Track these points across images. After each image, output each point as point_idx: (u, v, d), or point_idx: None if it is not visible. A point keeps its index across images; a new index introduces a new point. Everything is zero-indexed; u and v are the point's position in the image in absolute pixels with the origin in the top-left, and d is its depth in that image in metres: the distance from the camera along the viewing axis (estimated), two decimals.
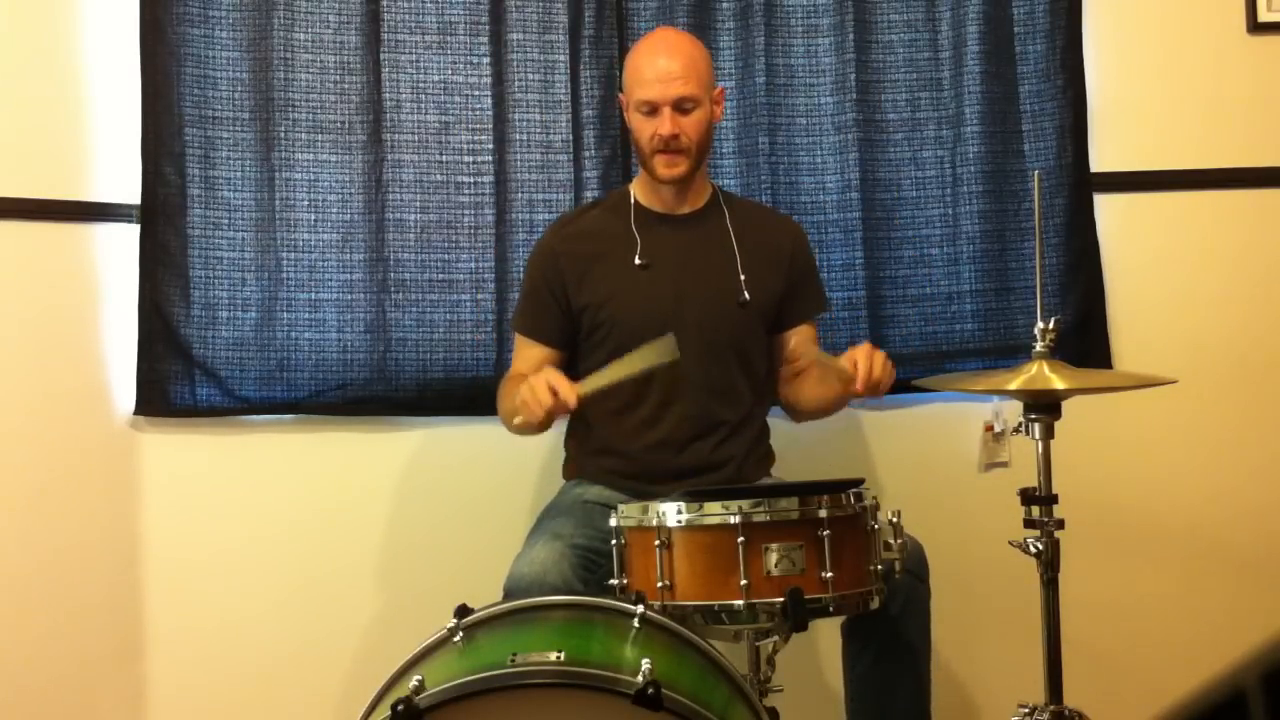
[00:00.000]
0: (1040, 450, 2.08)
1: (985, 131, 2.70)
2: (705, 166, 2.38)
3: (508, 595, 1.96)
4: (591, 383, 2.07)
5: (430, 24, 2.63)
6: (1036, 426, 2.07)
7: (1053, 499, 2.07)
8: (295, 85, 2.59)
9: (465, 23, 2.64)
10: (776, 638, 1.77)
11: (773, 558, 1.72)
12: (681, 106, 2.24)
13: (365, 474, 2.64)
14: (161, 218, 2.54)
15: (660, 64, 2.25)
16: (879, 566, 1.82)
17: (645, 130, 2.26)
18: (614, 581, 1.82)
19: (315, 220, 2.60)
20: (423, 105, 2.63)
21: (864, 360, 2.04)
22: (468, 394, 2.58)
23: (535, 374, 2.08)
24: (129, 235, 2.54)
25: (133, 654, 2.55)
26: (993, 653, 2.67)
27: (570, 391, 2.02)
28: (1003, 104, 2.71)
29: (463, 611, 1.58)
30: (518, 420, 2.09)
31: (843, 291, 2.68)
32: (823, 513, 1.74)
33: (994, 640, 2.68)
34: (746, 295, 2.30)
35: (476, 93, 2.64)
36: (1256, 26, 2.76)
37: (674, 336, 2.04)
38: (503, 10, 2.64)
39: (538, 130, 2.65)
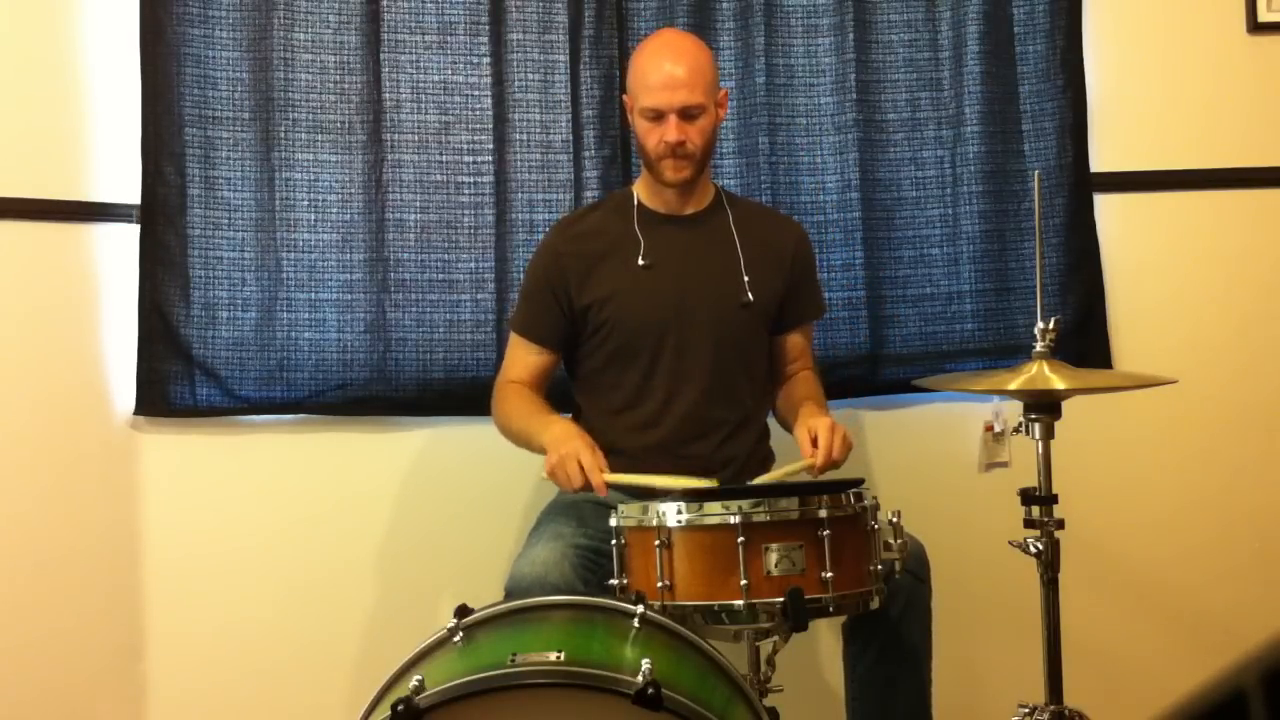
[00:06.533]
0: (1040, 450, 2.08)
1: (985, 131, 2.70)
2: (709, 168, 2.37)
3: (509, 595, 1.96)
4: (622, 478, 2.03)
5: (430, 24, 2.63)
6: (1036, 426, 2.07)
7: (1053, 499, 2.07)
8: (295, 85, 2.59)
9: (465, 23, 2.64)
10: (776, 638, 1.77)
11: (773, 558, 1.72)
12: (687, 113, 2.22)
13: (365, 474, 2.64)
14: (161, 218, 2.54)
15: (666, 70, 2.23)
16: (879, 567, 1.82)
17: (651, 136, 2.25)
18: (614, 581, 1.82)
19: (315, 220, 2.60)
20: (423, 105, 2.62)
21: (824, 439, 2.03)
22: (468, 394, 2.58)
23: (566, 439, 2.05)
24: (129, 235, 2.54)
25: (133, 654, 2.55)
26: (993, 653, 2.67)
27: (601, 484, 1.99)
28: (1003, 104, 2.71)
29: (463, 611, 1.58)
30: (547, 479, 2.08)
31: (843, 291, 2.68)
32: (823, 513, 1.74)
33: (994, 640, 2.68)
34: (750, 296, 2.29)
35: (476, 93, 2.64)
36: (1256, 26, 2.76)
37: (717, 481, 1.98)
38: (503, 10, 2.64)
39: (538, 130, 2.65)
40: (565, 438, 2.07)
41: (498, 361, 2.56)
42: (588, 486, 2.01)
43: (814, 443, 2.04)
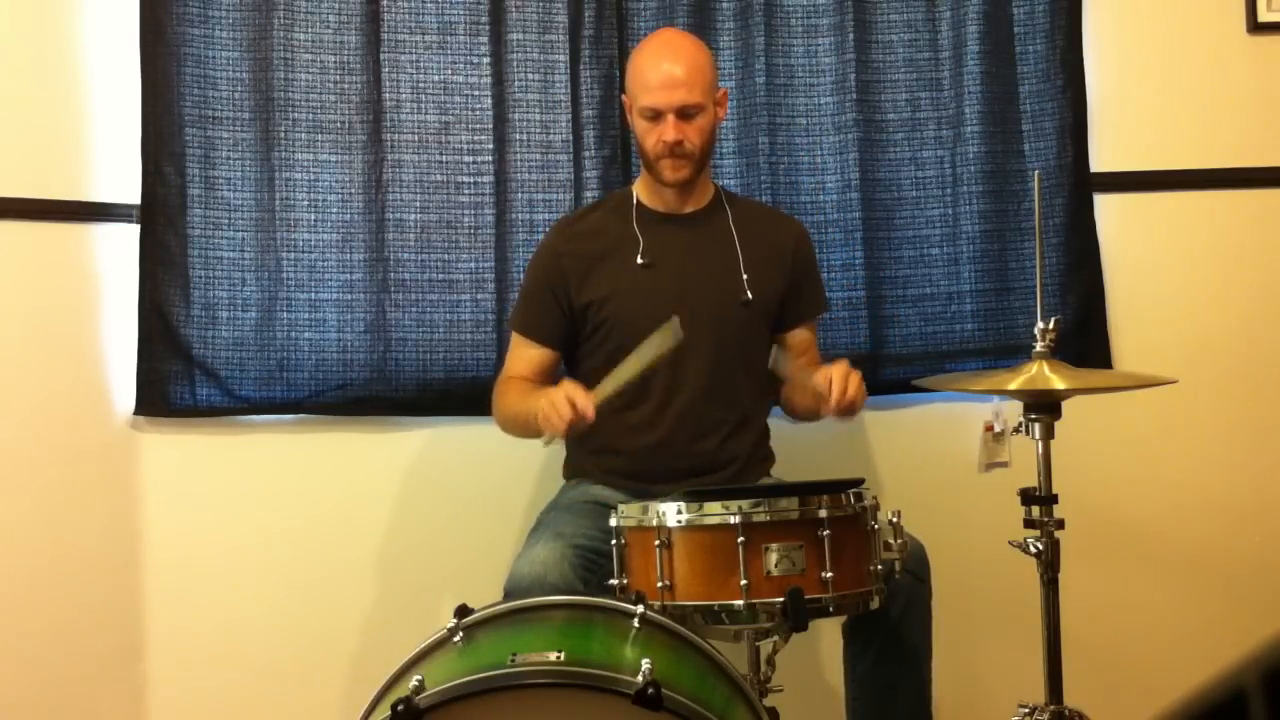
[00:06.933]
0: (1040, 450, 2.08)
1: (985, 131, 2.70)
2: (708, 167, 2.37)
3: (508, 595, 1.96)
4: (605, 388, 2.05)
5: (430, 24, 2.63)
6: (1036, 426, 2.08)
7: (1053, 499, 2.07)
8: (295, 85, 2.59)
9: (465, 23, 2.64)
10: (776, 638, 1.77)
11: (773, 558, 1.72)
12: (685, 113, 2.23)
13: (365, 474, 2.64)
14: (161, 218, 2.54)
15: (664, 69, 2.24)
16: (879, 566, 1.82)
17: (649, 136, 2.26)
18: (614, 581, 1.82)
19: (315, 220, 2.60)
20: (423, 105, 2.62)
21: (839, 380, 2.03)
22: (468, 394, 2.58)
23: (552, 388, 2.07)
24: (129, 235, 2.54)
25: (133, 654, 2.55)
26: (993, 653, 2.67)
27: (588, 402, 2.01)
28: (1003, 104, 2.71)
29: (463, 611, 1.58)
30: (544, 440, 2.08)
31: (843, 291, 2.68)
32: (823, 513, 1.74)
33: (994, 640, 2.68)
34: (749, 295, 2.30)
35: (476, 93, 2.64)
36: (1256, 26, 2.76)
37: (677, 319, 2.02)
38: (503, 10, 2.64)
39: (538, 130, 2.65)
40: (557, 388, 2.06)
41: (498, 361, 2.56)
42: (578, 420, 2.00)
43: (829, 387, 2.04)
